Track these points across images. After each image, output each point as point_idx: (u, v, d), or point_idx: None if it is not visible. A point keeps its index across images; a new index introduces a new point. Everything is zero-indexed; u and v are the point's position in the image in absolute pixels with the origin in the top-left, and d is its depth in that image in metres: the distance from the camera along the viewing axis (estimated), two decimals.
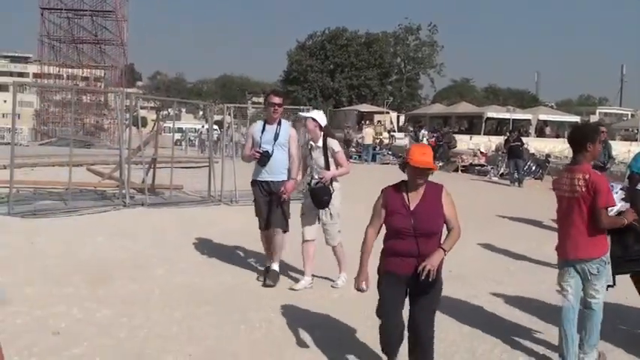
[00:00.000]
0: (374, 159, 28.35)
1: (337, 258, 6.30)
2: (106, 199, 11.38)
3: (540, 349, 4.79)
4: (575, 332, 4.35)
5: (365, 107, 45.61)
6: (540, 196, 16.31)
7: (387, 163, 25.96)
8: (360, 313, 5.00)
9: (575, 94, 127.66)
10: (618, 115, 70.13)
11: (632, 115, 65.36)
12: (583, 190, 4.20)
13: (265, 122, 6.36)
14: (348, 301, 5.58)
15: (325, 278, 6.36)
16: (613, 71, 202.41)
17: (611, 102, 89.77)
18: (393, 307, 3.74)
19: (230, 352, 4.50)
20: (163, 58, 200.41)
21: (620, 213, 4.48)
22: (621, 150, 23.82)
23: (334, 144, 6.24)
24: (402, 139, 32.26)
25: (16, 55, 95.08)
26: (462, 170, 23.94)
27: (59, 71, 45.95)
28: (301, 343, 4.65)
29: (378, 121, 39.88)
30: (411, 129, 34.52)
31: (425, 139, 26.48)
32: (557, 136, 39.12)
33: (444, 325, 4.76)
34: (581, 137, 4.39)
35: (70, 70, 46.49)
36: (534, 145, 27.97)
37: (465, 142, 31.51)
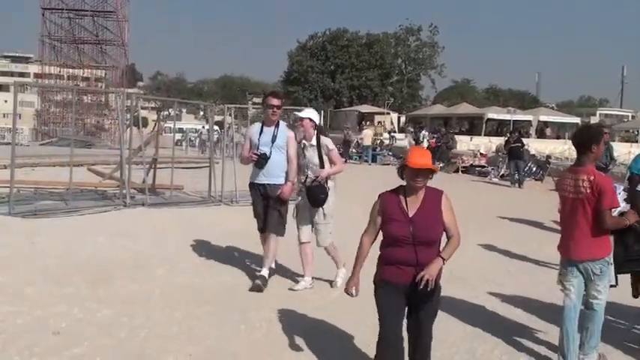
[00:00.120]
0: (374, 160, 28.37)
1: (332, 257, 6.28)
2: (107, 199, 11.38)
3: (541, 350, 4.80)
4: (576, 331, 4.36)
5: (365, 108, 45.65)
6: (541, 197, 16.32)
7: (388, 164, 25.97)
8: (360, 313, 5.00)
9: (575, 95, 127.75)
10: (619, 117, 70.07)
11: (633, 117, 65.40)
12: (588, 191, 4.21)
13: (263, 124, 6.32)
14: (348, 301, 5.55)
15: (325, 280, 6.35)
16: (614, 72, 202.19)
17: (611, 103, 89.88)
18: (394, 324, 3.54)
19: (230, 352, 4.50)
20: (164, 59, 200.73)
21: (622, 214, 4.48)
22: (622, 151, 23.80)
23: (328, 142, 6.25)
24: (402, 140, 32.26)
25: (17, 55, 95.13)
26: (462, 171, 23.95)
27: (60, 71, 45.98)
28: (301, 344, 4.66)
29: (379, 122, 39.94)
30: (412, 130, 34.52)
31: (425, 139, 26.50)
32: (558, 137, 39.15)
33: (444, 326, 4.76)
34: (586, 139, 4.40)
35: (70, 70, 46.54)
36: (535, 146, 27.99)
37: (465, 143, 31.52)
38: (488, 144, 30.48)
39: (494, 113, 39.79)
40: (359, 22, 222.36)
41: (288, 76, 62.13)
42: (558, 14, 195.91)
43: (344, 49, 59.64)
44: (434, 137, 28.02)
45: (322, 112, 28.37)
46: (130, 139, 12.66)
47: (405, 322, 3.63)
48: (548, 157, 23.45)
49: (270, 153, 6.13)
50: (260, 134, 6.23)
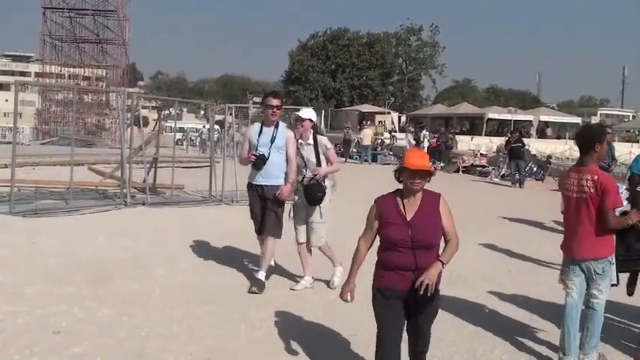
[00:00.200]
0: (375, 159, 28.38)
1: (328, 256, 6.26)
2: (107, 198, 11.39)
3: (541, 350, 4.80)
4: (577, 329, 4.38)
5: (366, 107, 45.71)
6: (541, 197, 16.32)
7: (389, 164, 25.96)
8: (360, 314, 5.00)
9: (576, 95, 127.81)
10: (619, 117, 70.04)
11: (634, 117, 65.36)
12: (592, 190, 4.23)
13: (262, 124, 6.26)
14: (351, 303, 5.57)
15: (325, 280, 6.34)
16: (614, 72, 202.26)
17: (612, 103, 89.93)
18: (393, 336, 3.47)
19: (230, 351, 4.50)
20: (165, 58, 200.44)
21: (624, 213, 4.49)
22: (622, 151, 23.80)
23: (325, 141, 6.25)
24: (403, 140, 32.29)
25: (18, 54, 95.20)
26: (463, 171, 23.94)
27: (61, 70, 46.01)
28: (301, 344, 4.66)
29: (380, 122, 39.95)
30: (412, 129, 34.55)
31: (426, 139, 26.51)
32: (559, 137, 39.17)
33: (444, 326, 4.76)
34: (589, 138, 4.41)
35: (71, 69, 46.56)
36: (535, 146, 27.99)
37: (466, 143, 31.53)
38: (488, 144, 30.49)
39: (495, 113, 39.83)
40: (360, 22, 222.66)
41: (289, 75, 62.19)
42: (559, 14, 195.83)
43: (345, 48, 59.69)
44: (434, 137, 28.04)
45: (323, 111, 28.49)
46: (131, 138, 12.68)
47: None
48: (549, 157, 23.44)
49: (269, 154, 6.06)
50: (259, 135, 6.16)
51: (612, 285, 4.46)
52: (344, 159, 27.45)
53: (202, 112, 71.04)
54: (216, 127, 22.44)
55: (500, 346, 4.85)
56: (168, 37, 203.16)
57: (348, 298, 3.59)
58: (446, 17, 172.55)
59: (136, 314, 5.11)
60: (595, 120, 51.75)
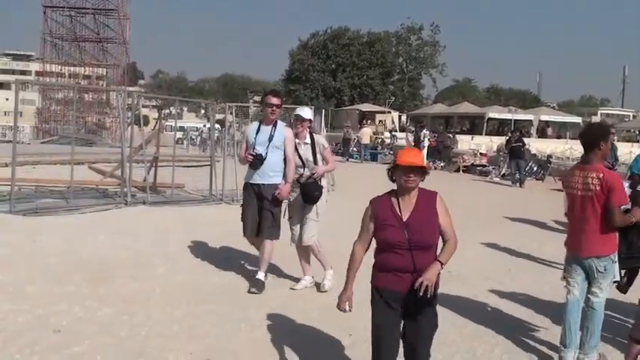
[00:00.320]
0: (375, 159, 28.41)
1: (318, 259, 6.13)
2: (108, 197, 11.40)
3: (542, 349, 4.80)
4: (578, 324, 4.40)
5: (367, 107, 45.69)
6: (541, 196, 16.33)
7: (389, 163, 25.91)
8: (359, 313, 4.99)
9: (576, 94, 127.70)
10: (620, 116, 70.06)
11: (634, 116, 65.35)
12: (597, 188, 4.25)
13: (261, 123, 6.19)
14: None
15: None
16: (615, 72, 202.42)
17: (612, 103, 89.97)
18: (389, 336, 3.37)
19: (230, 350, 4.50)
20: (165, 57, 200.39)
21: (626, 211, 4.50)
22: (623, 151, 23.74)
23: (323, 140, 6.23)
24: (403, 139, 32.27)
25: (19, 53, 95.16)
26: (463, 170, 23.94)
27: (61, 69, 46.03)
28: (301, 343, 4.66)
29: (380, 121, 39.93)
30: (413, 129, 34.55)
31: (426, 139, 26.52)
32: (559, 137, 39.20)
33: (444, 326, 4.74)
34: (595, 136, 4.43)
35: (72, 68, 46.59)
36: (536, 145, 27.99)
37: (466, 143, 31.53)
38: (489, 143, 30.50)
39: (496, 113, 39.83)
40: (360, 21, 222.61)
41: (290, 74, 62.16)
42: (559, 14, 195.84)
43: (345, 47, 59.66)
44: (434, 136, 28.07)
45: (323, 110, 28.48)
46: (131, 137, 12.67)
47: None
48: (549, 156, 23.45)
49: (267, 153, 5.98)
50: (257, 133, 6.08)
51: (615, 282, 4.48)
52: (345, 158, 27.52)
53: (203, 112, 71.07)
54: (217, 126, 22.46)
55: (501, 346, 4.85)
56: (168, 36, 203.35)
57: (347, 307, 3.46)
58: (446, 17, 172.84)
59: (137, 313, 5.12)
60: (595, 120, 51.80)
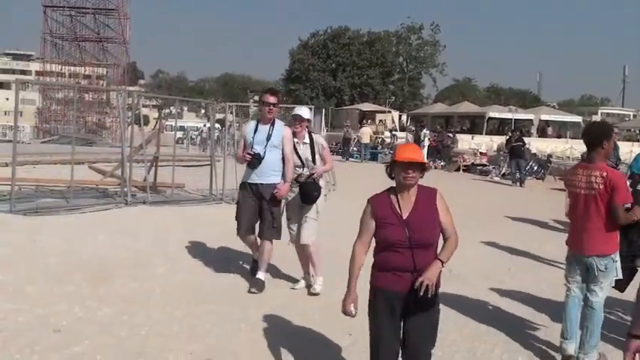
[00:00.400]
0: (375, 158, 28.43)
1: (312, 261, 6.04)
2: (108, 197, 11.40)
3: (542, 348, 4.80)
4: (578, 319, 4.44)
5: (367, 106, 45.65)
6: (542, 196, 16.33)
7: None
8: (360, 313, 4.99)
9: (577, 94, 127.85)
10: (620, 116, 70.11)
11: (634, 116, 65.35)
12: (601, 187, 4.26)
13: (258, 122, 6.12)
14: None
15: (326, 279, 6.33)
16: (615, 72, 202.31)
17: (613, 102, 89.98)
18: (389, 337, 3.29)
19: (230, 350, 4.50)
20: (165, 57, 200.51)
21: (626, 210, 4.51)
22: (623, 150, 23.72)
23: (322, 140, 6.21)
24: (403, 139, 32.26)
25: (19, 52, 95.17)
26: (463, 170, 23.95)
27: (61, 69, 45.97)
28: (301, 343, 4.66)
29: (380, 120, 39.92)
30: (413, 128, 34.55)
31: (426, 138, 26.54)
32: (559, 136, 39.19)
33: (444, 325, 4.74)
34: (598, 134, 4.44)
35: (72, 68, 46.53)
36: (536, 145, 28.00)
37: (466, 142, 31.53)
38: (489, 143, 30.51)
39: (496, 112, 39.80)
40: (360, 21, 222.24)
41: (290, 74, 62.13)
42: (560, 13, 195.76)
43: (345, 47, 59.63)
44: (434, 135, 28.12)
45: (323, 110, 28.53)
46: (132, 137, 12.67)
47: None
48: (550, 156, 23.45)
49: (265, 152, 5.92)
50: (255, 132, 6.01)
51: (617, 280, 4.48)
52: (345, 157, 27.54)
53: (203, 111, 71.03)
54: (217, 125, 22.46)
55: (501, 345, 4.85)
56: (168, 36, 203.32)
57: (353, 310, 3.33)
58: (447, 16, 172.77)
59: (137, 313, 5.11)
60: (596, 119, 51.78)
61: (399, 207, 3.28)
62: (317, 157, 6.08)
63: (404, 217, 3.25)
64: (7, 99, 65.19)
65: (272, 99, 6.04)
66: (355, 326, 4.84)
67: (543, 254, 8.25)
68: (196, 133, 39.04)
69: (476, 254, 8.10)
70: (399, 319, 3.31)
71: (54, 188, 12.00)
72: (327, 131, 35.89)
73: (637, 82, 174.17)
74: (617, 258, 4.39)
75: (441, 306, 3.28)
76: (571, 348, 4.45)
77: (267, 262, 6.16)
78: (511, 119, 36.87)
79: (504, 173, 21.70)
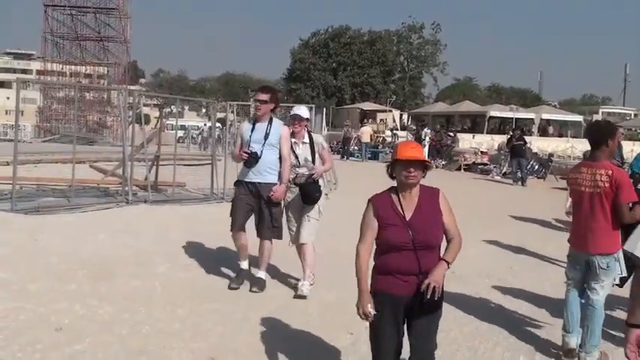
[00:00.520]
0: (376, 157, 28.43)
1: (306, 259, 5.93)
2: (109, 196, 11.41)
3: (543, 347, 4.80)
4: (579, 313, 4.45)
5: (368, 105, 45.58)
6: (543, 195, 16.32)
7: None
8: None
9: (578, 93, 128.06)
10: (621, 115, 70.10)
11: (636, 115, 65.33)
12: (606, 185, 4.27)
13: (255, 120, 6.00)
14: (349, 301, 5.56)
15: (326, 279, 6.34)
16: (616, 71, 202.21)
17: (614, 101, 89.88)
18: (390, 350, 3.22)
19: (232, 349, 4.50)
20: (166, 56, 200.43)
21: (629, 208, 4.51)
22: (625, 149, 23.76)
23: (322, 140, 6.17)
24: (404, 138, 32.26)
25: (20, 52, 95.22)
26: (464, 169, 23.94)
27: (62, 68, 46.00)
28: (302, 342, 4.66)
29: (381, 120, 39.90)
30: (414, 127, 34.52)
31: (427, 137, 26.54)
32: (560, 136, 39.13)
33: (445, 324, 4.75)
34: (602, 133, 4.46)
35: (73, 67, 46.55)
36: (537, 144, 27.97)
37: (467, 141, 31.51)
38: (490, 142, 30.48)
39: (497, 111, 39.74)
40: (361, 20, 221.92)
41: (291, 73, 62.10)
42: (561, 13, 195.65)
43: (346, 46, 59.59)
44: (434, 133, 28.15)
45: (324, 109, 28.53)
46: (132, 136, 12.66)
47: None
48: (551, 155, 23.42)
49: (262, 151, 5.81)
50: (252, 131, 5.91)
51: (621, 278, 4.49)
52: (345, 157, 27.54)
53: (204, 110, 71.00)
54: (218, 124, 22.47)
55: (502, 344, 4.85)
56: (169, 35, 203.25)
57: (372, 311, 3.13)
58: (447, 15, 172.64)
59: (138, 311, 5.12)
60: (597, 118, 51.75)
61: (401, 207, 3.18)
62: (317, 157, 6.03)
63: (407, 219, 3.16)
64: (8, 98, 65.28)
65: (262, 96, 5.93)
66: (356, 325, 4.85)
67: (545, 253, 8.25)
68: (197, 132, 39.03)
69: (478, 253, 8.09)
70: (402, 321, 3.22)
71: (55, 187, 12.00)
72: (327, 130, 35.90)
73: (638, 81, 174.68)
74: (621, 256, 4.39)
75: (443, 304, 3.26)
76: (573, 341, 4.48)
77: (268, 261, 6.13)
78: (512, 118, 36.83)
79: (505, 172, 21.69)
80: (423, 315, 3.16)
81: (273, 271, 6.51)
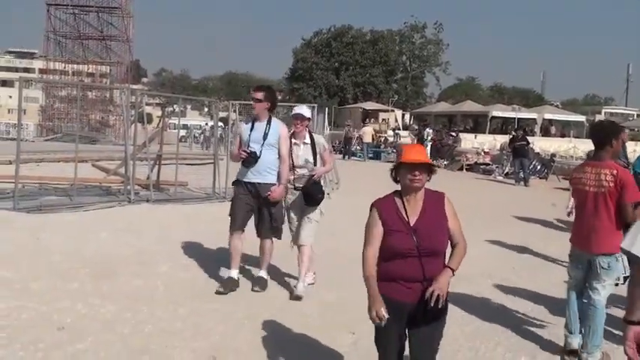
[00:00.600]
0: (378, 157, 28.43)
1: (303, 261, 5.88)
2: (111, 195, 11.43)
3: (544, 348, 4.79)
4: (581, 312, 4.46)
5: (370, 105, 45.59)
6: (545, 195, 16.29)
7: (392, 162, 25.93)
8: (361, 312, 4.99)
9: (580, 93, 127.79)
10: (624, 115, 69.85)
11: (638, 115, 65.18)
12: (611, 185, 4.27)
13: (254, 120, 5.92)
14: (350, 301, 5.57)
15: (326, 279, 6.34)
16: (619, 71, 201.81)
17: (616, 101, 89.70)
18: (391, 349, 3.19)
19: (234, 348, 4.51)
20: (168, 55, 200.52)
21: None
22: (627, 150, 23.74)
23: (323, 140, 6.15)
24: (406, 138, 32.25)
25: (22, 50, 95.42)
26: (466, 169, 23.92)
27: (65, 67, 46.05)
28: (303, 341, 4.66)
29: (383, 119, 39.90)
30: (416, 127, 34.51)
31: (429, 137, 26.53)
32: (563, 136, 39.11)
33: (447, 323, 4.75)
34: (606, 133, 4.46)
35: (75, 66, 46.57)
36: (539, 144, 27.93)
37: (469, 141, 31.50)
38: (492, 142, 30.47)
39: (499, 111, 39.74)
40: (363, 20, 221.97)
41: (293, 72, 62.08)
42: (564, 13, 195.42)
43: (348, 46, 59.54)
44: (435, 134, 28.15)
45: (327, 108, 28.47)
46: (135, 135, 12.66)
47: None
48: (553, 155, 23.40)
49: (261, 151, 5.76)
50: (251, 130, 5.86)
51: (625, 277, 4.48)
52: (347, 157, 27.54)
53: (206, 110, 71.11)
54: (220, 124, 22.47)
55: (504, 344, 4.84)
56: (172, 34, 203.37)
57: (385, 313, 2.97)
58: (450, 15, 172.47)
59: (140, 310, 5.12)
60: (599, 118, 51.67)
61: (406, 212, 3.10)
62: (318, 157, 5.98)
63: (411, 224, 3.08)
64: (11, 97, 65.44)
65: (257, 94, 5.85)
66: (358, 325, 4.85)
67: (547, 253, 8.24)
68: (199, 131, 39.05)
69: (480, 253, 8.08)
70: (404, 327, 3.16)
71: (57, 186, 12.02)
72: (330, 130, 35.88)
73: None
74: (623, 256, 4.38)
75: (447, 312, 3.22)
76: (575, 342, 4.49)
77: (269, 261, 6.13)
78: (514, 118, 36.82)
79: (507, 172, 21.66)
80: (426, 323, 3.10)
81: (274, 271, 6.51)
